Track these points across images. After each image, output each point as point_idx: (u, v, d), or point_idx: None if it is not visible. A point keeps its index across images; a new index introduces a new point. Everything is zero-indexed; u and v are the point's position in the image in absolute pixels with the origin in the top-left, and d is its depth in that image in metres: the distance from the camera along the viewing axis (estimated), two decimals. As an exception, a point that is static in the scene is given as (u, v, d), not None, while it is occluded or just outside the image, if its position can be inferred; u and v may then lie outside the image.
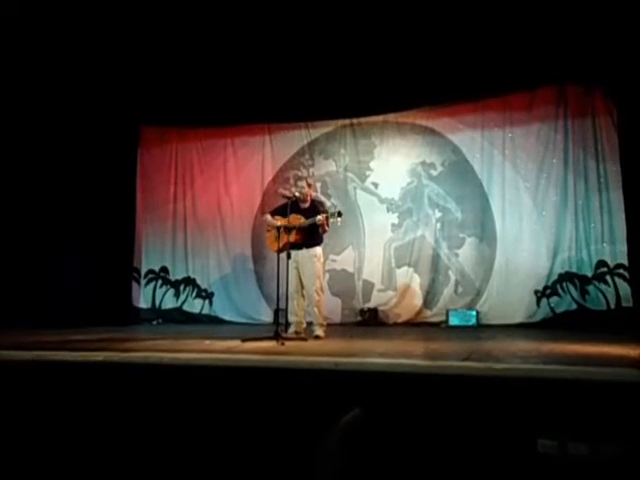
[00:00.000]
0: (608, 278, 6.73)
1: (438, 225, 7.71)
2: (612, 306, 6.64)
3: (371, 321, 7.56)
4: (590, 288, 6.81)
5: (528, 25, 6.03)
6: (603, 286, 6.75)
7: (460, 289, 7.50)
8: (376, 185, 8.07)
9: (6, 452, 3.03)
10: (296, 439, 2.61)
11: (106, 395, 3.19)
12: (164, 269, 8.70)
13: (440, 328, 7.18)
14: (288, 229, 5.43)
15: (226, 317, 8.30)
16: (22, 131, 7.07)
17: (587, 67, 6.61)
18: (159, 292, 8.67)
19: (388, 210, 7.95)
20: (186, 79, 7.29)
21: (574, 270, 6.94)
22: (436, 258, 7.64)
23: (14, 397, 3.25)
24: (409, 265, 7.74)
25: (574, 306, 6.87)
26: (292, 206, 5.47)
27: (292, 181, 7.87)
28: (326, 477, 1.45)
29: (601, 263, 6.80)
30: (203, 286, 8.56)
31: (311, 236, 5.50)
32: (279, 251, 5.40)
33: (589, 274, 6.85)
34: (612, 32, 5.95)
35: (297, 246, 5.48)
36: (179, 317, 8.47)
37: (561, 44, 6.26)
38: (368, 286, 7.89)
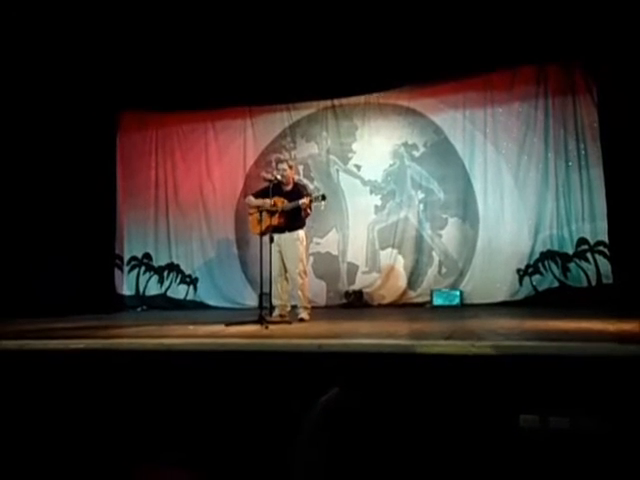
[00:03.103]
0: (589, 255, 6.82)
1: (421, 206, 7.73)
2: (593, 283, 6.74)
3: (356, 303, 7.58)
4: (571, 266, 6.90)
5: (508, 4, 6.00)
6: (584, 263, 6.83)
7: (444, 269, 7.55)
8: (359, 167, 8.05)
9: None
10: (281, 421, 2.62)
11: (89, 383, 3.17)
12: (147, 255, 8.64)
13: (424, 308, 7.24)
14: (271, 212, 5.40)
15: (211, 302, 8.28)
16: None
17: (567, 46, 6.61)
18: (143, 279, 8.62)
19: (371, 192, 7.95)
20: (165, 62, 7.17)
21: (555, 248, 7.02)
22: (419, 239, 7.67)
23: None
24: (393, 247, 7.76)
25: (556, 284, 6.95)
26: (274, 189, 5.44)
27: (274, 164, 7.83)
28: (305, 458, 1.45)
29: (582, 241, 6.88)
30: (187, 272, 8.52)
31: (294, 219, 5.48)
32: (262, 234, 5.37)
33: (570, 252, 6.93)
34: (591, 11, 5.95)
35: (280, 229, 5.47)
36: (164, 303, 8.43)
37: (541, 23, 6.25)
38: (352, 268, 7.90)
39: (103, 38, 6.56)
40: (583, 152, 6.94)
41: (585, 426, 2.47)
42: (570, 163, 7.01)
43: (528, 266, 7.10)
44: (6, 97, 6.89)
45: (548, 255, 7.03)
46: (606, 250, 6.67)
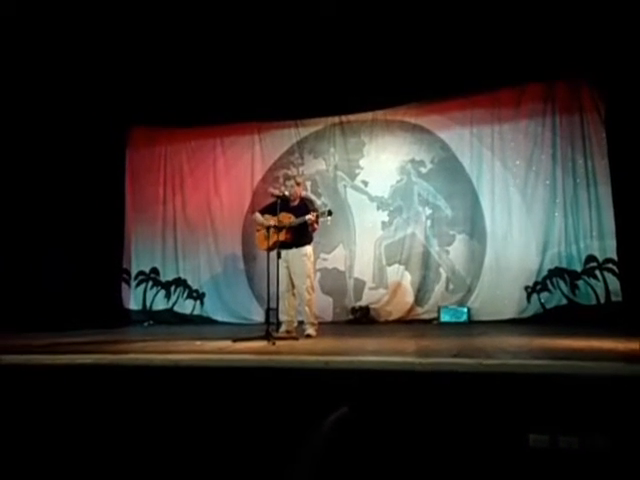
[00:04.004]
0: (597, 273, 6.77)
1: (428, 222, 7.72)
2: (602, 301, 6.68)
3: (363, 319, 7.56)
4: (580, 283, 6.85)
5: (516, 22, 6.04)
6: (593, 281, 6.79)
7: (451, 286, 7.52)
8: (366, 183, 8.07)
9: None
10: (287, 439, 2.60)
11: (97, 398, 3.17)
12: (154, 270, 8.66)
13: (432, 325, 7.20)
14: (278, 228, 5.41)
15: (217, 317, 8.27)
16: (9, 131, 7.00)
17: (574, 64, 6.63)
18: (150, 293, 8.63)
19: (378, 208, 7.96)
20: (175, 79, 7.25)
21: (564, 265, 6.98)
22: (427, 255, 7.65)
23: (4, 401, 3.22)
24: (400, 263, 7.75)
25: (564, 301, 6.90)
26: (282, 205, 5.45)
27: (282, 180, 7.87)
28: (313, 476, 1.44)
29: (590, 258, 6.84)
30: (194, 287, 8.52)
31: (301, 235, 5.49)
32: (269, 250, 5.38)
33: (579, 269, 6.89)
34: (599, 29, 5.98)
35: (287, 245, 5.47)
36: (170, 318, 8.43)
37: (549, 41, 6.28)
38: (359, 284, 7.88)
39: (114, 56, 6.64)
40: (591, 169, 6.93)
41: (595, 446, 2.45)
42: (578, 180, 7.00)
43: (536, 283, 7.06)
44: (20, 113, 6.98)
45: (556, 272, 6.99)
46: (615, 268, 6.63)
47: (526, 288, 7.08)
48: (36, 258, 7.22)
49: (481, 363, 2.81)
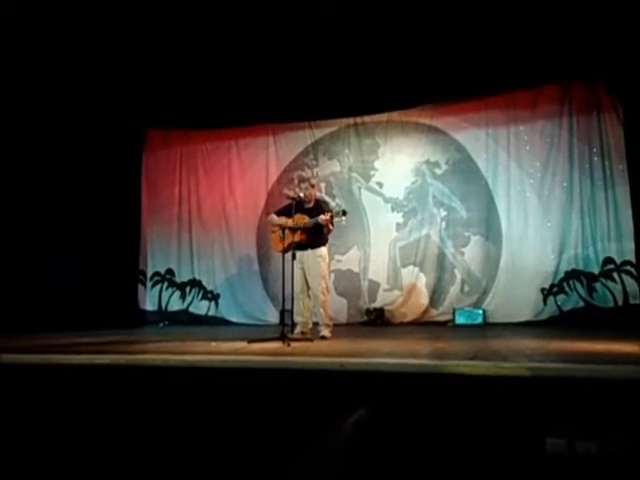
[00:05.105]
0: (615, 275, 6.70)
1: (443, 224, 7.70)
2: (620, 303, 6.61)
3: (377, 321, 7.55)
4: (597, 285, 6.79)
5: (532, 22, 6.00)
6: (610, 283, 6.72)
7: (466, 288, 7.48)
8: (380, 185, 8.06)
9: (14, 456, 3.04)
10: (302, 440, 2.60)
11: (113, 398, 3.19)
12: (170, 271, 8.72)
13: (447, 327, 7.17)
14: (293, 229, 5.42)
15: (232, 318, 8.31)
16: (27, 134, 7.08)
17: (591, 64, 6.57)
18: (165, 294, 8.69)
19: (393, 209, 7.94)
20: (190, 81, 7.30)
21: (581, 267, 6.92)
22: (442, 257, 7.62)
23: (22, 401, 3.26)
24: (415, 264, 7.73)
25: (581, 304, 6.84)
26: (296, 206, 5.46)
27: (296, 182, 7.85)
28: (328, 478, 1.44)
29: (608, 260, 6.78)
30: (209, 288, 8.57)
31: (316, 236, 5.49)
32: (284, 251, 5.39)
33: (596, 271, 6.82)
34: (616, 28, 5.92)
35: (302, 246, 5.47)
36: (185, 319, 8.49)
37: (565, 41, 6.23)
38: (374, 286, 7.88)
39: (132, 59, 6.70)
40: (609, 171, 6.87)
41: (613, 451, 2.42)
42: (595, 182, 6.94)
43: (553, 285, 7.01)
44: (41, 118, 7.06)
45: (573, 274, 6.93)
46: (633, 270, 6.55)
47: (542, 290, 7.03)
48: (54, 260, 7.29)
49: (498, 365, 2.79)
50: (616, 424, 2.47)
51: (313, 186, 5.81)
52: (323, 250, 5.56)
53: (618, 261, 6.71)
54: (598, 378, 2.62)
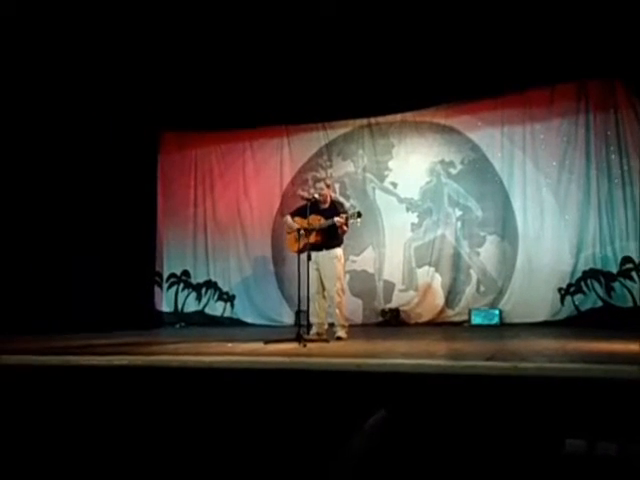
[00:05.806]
0: (634, 274, 6.62)
1: (458, 224, 7.66)
2: (639, 303, 6.53)
3: (393, 321, 7.53)
4: (615, 285, 6.71)
5: (547, 20, 5.95)
6: (629, 283, 6.64)
7: (482, 288, 7.44)
8: (395, 185, 8.04)
9: (32, 456, 3.08)
10: (320, 442, 2.61)
11: (131, 399, 3.22)
12: (186, 273, 8.78)
13: (463, 327, 7.13)
14: (308, 231, 5.42)
15: (248, 319, 8.34)
16: (44, 138, 7.17)
17: (608, 62, 6.51)
18: (181, 295, 8.75)
19: (408, 210, 7.92)
20: (204, 84, 7.34)
21: (599, 267, 6.85)
22: (457, 257, 7.59)
23: (41, 402, 3.30)
24: (430, 264, 7.70)
25: (599, 303, 6.77)
26: (311, 207, 5.46)
27: (311, 183, 7.90)
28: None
29: (626, 259, 6.70)
30: (224, 289, 8.62)
31: (331, 237, 5.49)
32: (299, 252, 5.39)
33: (614, 271, 6.75)
34: (633, 26, 5.85)
35: (317, 247, 5.47)
36: (201, 320, 8.54)
37: (581, 39, 6.17)
38: (389, 286, 7.86)
39: (146, 62, 6.76)
40: (626, 168, 6.79)
41: (634, 452, 2.39)
42: (613, 180, 6.86)
43: (570, 285, 6.94)
44: (59, 122, 7.14)
45: (591, 274, 6.86)
46: (652, 269, 6.48)
47: (559, 290, 6.97)
48: (72, 262, 7.37)
49: (516, 366, 2.77)
50: (636, 425, 2.44)
51: (328, 186, 5.81)
52: (338, 251, 5.55)
53: (637, 260, 6.63)
54: (618, 379, 2.59)
